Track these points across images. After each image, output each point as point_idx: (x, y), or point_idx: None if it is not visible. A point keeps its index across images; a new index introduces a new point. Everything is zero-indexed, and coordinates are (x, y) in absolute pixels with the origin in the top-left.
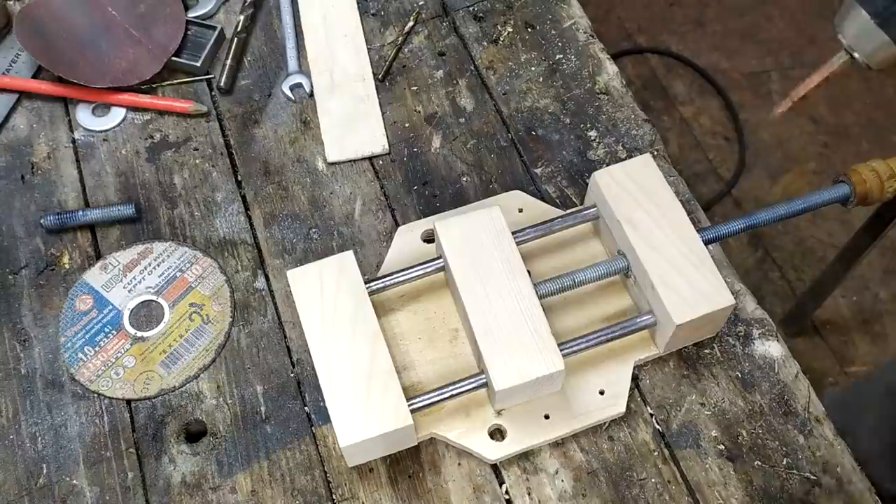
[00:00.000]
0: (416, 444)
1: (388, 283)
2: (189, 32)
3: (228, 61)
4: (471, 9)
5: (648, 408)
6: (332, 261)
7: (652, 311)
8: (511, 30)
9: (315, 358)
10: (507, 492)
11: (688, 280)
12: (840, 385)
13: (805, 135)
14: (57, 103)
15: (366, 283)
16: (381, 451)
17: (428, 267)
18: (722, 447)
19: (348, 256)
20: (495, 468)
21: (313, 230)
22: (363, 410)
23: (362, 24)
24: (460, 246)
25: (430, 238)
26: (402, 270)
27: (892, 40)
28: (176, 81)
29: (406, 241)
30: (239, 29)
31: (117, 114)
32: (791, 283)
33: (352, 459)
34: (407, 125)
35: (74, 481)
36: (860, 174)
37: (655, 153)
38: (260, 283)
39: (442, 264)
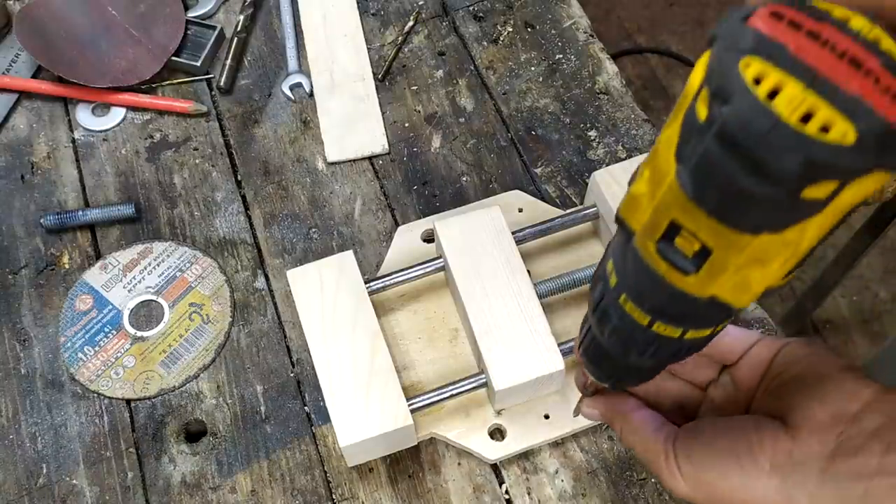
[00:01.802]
0: (416, 443)
1: (387, 282)
2: (189, 32)
3: (228, 61)
4: (471, 8)
5: None
6: (331, 260)
7: None
8: (511, 30)
9: (315, 358)
10: (507, 491)
11: None
12: None
13: None
14: (57, 103)
15: (366, 282)
16: (381, 451)
17: (428, 267)
18: None
19: (348, 256)
20: (495, 468)
21: (313, 230)
22: (363, 410)
23: (362, 24)
24: (460, 246)
25: (429, 238)
26: (402, 270)
27: None
28: (176, 81)
29: (406, 241)
30: (239, 29)
31: (117, 114)
32: (791, 282)
33: (351, 459)
34: (407, 125)
35: (74, 481)
36: None
37: None
38: (260, 282)
39: (442, 264)
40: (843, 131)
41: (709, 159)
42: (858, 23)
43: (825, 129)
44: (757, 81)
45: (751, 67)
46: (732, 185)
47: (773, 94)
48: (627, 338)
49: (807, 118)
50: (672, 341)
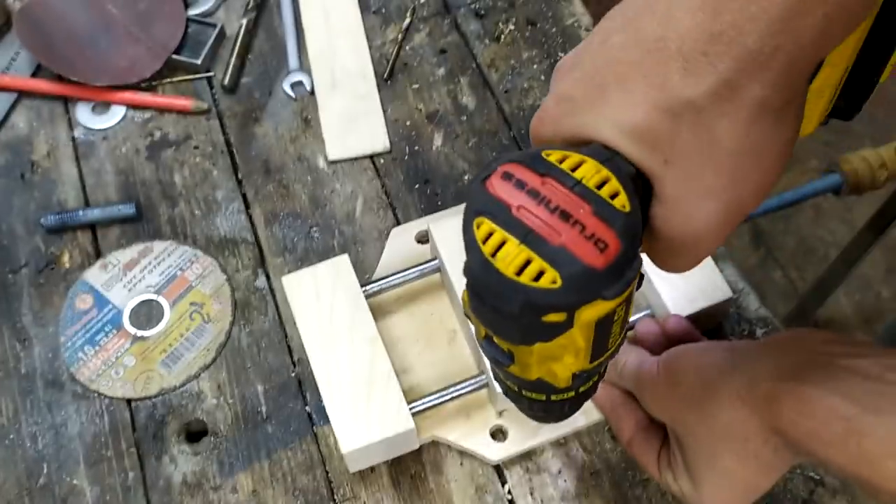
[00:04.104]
0: (418, 447)
1: (383, 285)
2: (189, 30)
3: (232, 60)
4: (472, 6)
5: None
6: (326, 265)
7: (650, 306)
8: (512, 27)
9: (313, 364)
10: (509, 492)
11: (685, 274)
12: None
13: None
14: (56, 102)
15: (362, 286)
16: (383, 456)
17: (423, 268)
18: None
19: (343, 260)
20: (498, 468)
21: (314, 229)
22: (364, 415)
23: (363, 22)
24: (455, 245)
25: (423, 239)
26: (398, 273)
27: None
28: (176, 79)
29: (400, 243)
30: (243, 31)
31: (117, 112)
32: (793, 281)
33: (353, 465)
34: (408, 123)
35: (75, 481)
36: (851, 163)
37: None
38: (261, 281)
39: (437, 265)
40: (551, 278)
41: (468, 292)
42: (584, 169)
43: (538, 276)
44: (486, 238)
45: (482, 227)
46: (485, 316)
47: (498, 248)
48: (512, 396)
49: (523, 269)
50: (543, 402)
